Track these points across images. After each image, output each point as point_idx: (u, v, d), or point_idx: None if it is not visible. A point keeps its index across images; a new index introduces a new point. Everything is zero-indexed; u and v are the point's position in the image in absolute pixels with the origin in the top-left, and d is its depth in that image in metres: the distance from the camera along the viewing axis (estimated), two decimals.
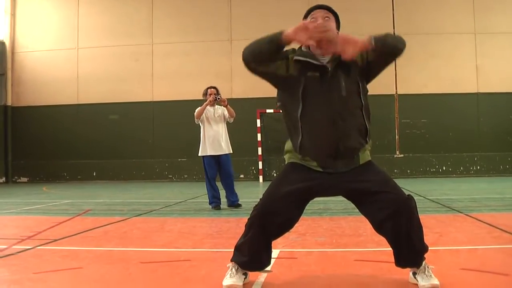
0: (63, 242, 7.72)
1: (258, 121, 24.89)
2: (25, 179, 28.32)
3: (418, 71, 25.62)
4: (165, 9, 27.38)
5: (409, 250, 4.70)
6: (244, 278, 4.89)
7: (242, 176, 25.94)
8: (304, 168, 4.82)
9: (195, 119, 12.41)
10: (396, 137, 25.92)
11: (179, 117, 25.60)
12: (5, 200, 16.04)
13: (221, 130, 12.42)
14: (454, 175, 25.56)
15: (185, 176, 26.36)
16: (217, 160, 12.42)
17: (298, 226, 8.67)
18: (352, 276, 5.29)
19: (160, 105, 26.41)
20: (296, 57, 4.74)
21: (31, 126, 27.95)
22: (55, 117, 27.39)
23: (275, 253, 6.28)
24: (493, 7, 25.91)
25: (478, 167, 25.79)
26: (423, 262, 4.78)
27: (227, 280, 4.80)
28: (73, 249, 7.23)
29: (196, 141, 25.49)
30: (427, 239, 7.49)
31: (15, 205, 14.22)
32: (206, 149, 12.37)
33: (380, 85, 24.98)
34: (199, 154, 12.48)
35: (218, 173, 12.51)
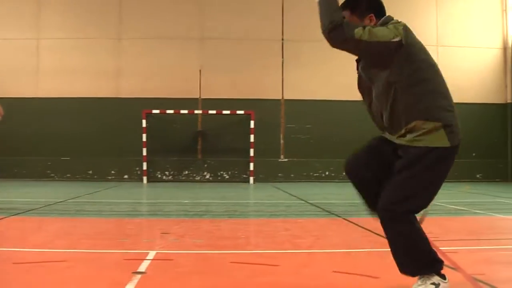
0: None
1: (144, 121, 24.66)
2: None
3: (305, 77, 25.97)
4: (53, 4, 26.77)
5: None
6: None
7: (126, 176, 25.66)
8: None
9: None
10: (281, 141, 26.22)
11: (64, 115, 25.14)
12: None
13: None
14: (337, 180, 26.03)
15: (68, 175, 25.86)
16: None
17: (178, 228, 8.71)
18: (226, 278, 5.31)
19: (45, 102, 25.79)
20: None
21: None
22: None
23: (151, 254, 6.27)
24: None
25: None
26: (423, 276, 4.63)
27: None
28: None
29: (79, 140, 25.17)
30: (305, 242, 7.66)
31: None
32: None
33: (267, 89, 25.40)
34: None
35: None
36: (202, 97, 25.71)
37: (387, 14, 4.66)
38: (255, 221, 10.89)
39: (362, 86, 4.94)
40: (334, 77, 25.83)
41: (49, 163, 25.95)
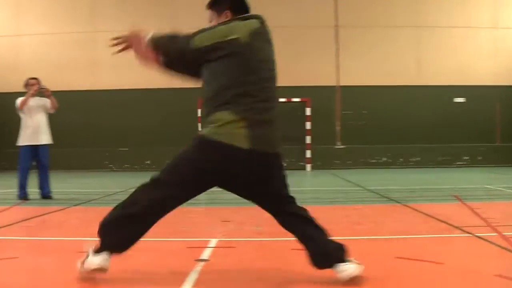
0: (0, 231, 7.60)
1: (199, 111, 24.74)
2: None
3: (360, 63, 25.82)
4: None
5: None
6: None
7: None
8: None
9: (18, 110, 12.40)
10: (337, 128, 26.11)
11: (120, 106, 25.42)
12: None
13: (42, 120, 12.45)
14: (393, 166, 25.88)
15: (126, 165, 26.17)
16: (34, 150, 12.46)
17: (237, 216, 8.74)
18: (287, 265, 5.33)
19: (102, 94, 26.09)
20: None
21: None
22: None
23: (212, 242, 6.31)
24: (433, 1, 26.27)
25: (418, 158, 26.16)
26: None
27: None
28: (10, 238, 7.13)
29: (137, 131, 25.34)
30: (365, 229, 7.61)
31: None
32: (24, 138, 12.41)
33: (322, 76, 25.24)
34: (17, 143, 12.50)
35: (36, 164, 12.57)
36: None
37: None
38: (314, 208, 10.80)
39: None
40: (389, 62, 25.68)
41: (107, 154, 26.29)
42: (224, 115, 4.35)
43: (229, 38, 4.41)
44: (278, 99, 4.60)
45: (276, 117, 4.52)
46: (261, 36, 4.64)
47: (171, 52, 4.61)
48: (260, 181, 4.58)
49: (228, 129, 4.32)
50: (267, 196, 4.73)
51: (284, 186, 4.74)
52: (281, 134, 4.57)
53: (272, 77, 4.59)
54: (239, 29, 4.46)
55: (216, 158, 4.40)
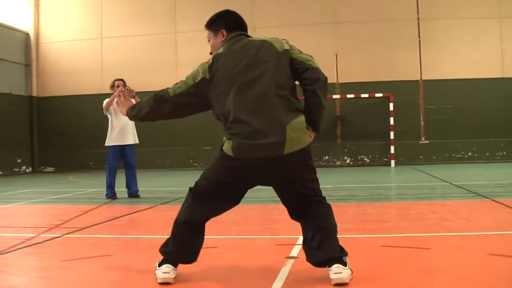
0: (90, 230, 7.77)
1: None
2: (51, 169, 28.49)
3: (443, 57, 25.43)
4: None
5: None
6: None
7: None
8: None
9: (104, 110, 12.64)
10: (421, 123, 25.77)
11: None
12: (32, 190, 16.19)
13: (128, 121, 12.46)
14: (479, 161, 25.38)
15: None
16: (122, 150, 12.63)
17: None
18: (379, 262, 5.27)
19: None
20: None
21: (56, 116, 28.08)
22: (80, 107, 27.44)
23: (300, 239, 6.29)
24: None
25: (504, 153, 25.58)
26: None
27: None
28: (100, 237, 7.29)
29: (219, 130, 25.49)
30: (455, 225, 7.48)
31: (42, 195, 14.36)
32: (112, 139, 12.59)
33: (405, 71, 24.92)
34: (105, 144, 12.66)
35: (123, 163, 12.76)
36: (340, 81, 25.62)
37: None
38: (401, 204, 10.75)
39: None
40: (471, 55, 25.17)
41: (192, 153, 26.60)
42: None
43: (197, 81, 4.80)
44: (264, 98, 4.55)
45: (258, 128, 4.53)
46: (224, 57, 4.74)
47: (150, 111, 5.00)
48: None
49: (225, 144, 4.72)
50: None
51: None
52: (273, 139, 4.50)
53: (243, 86, 4.60)
54: (202, 69, 4.81)
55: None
